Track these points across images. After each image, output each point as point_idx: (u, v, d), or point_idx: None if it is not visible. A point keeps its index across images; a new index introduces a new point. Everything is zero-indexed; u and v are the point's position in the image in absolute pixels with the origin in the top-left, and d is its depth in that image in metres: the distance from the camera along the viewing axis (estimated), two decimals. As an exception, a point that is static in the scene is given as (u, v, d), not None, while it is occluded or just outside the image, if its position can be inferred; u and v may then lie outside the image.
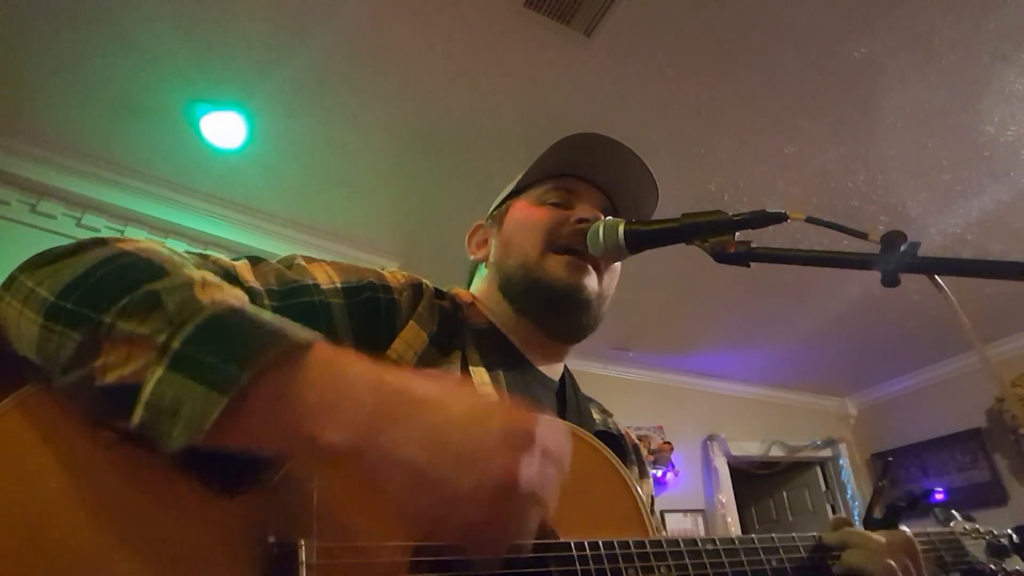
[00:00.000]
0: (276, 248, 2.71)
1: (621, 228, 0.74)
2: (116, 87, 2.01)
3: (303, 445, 0.43)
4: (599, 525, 0.59)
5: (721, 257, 0.68)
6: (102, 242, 0.51)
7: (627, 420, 4.56)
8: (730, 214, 0.69)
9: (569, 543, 0.55)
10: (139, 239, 0.54)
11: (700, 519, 4.11)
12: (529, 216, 0.86)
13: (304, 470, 0.49)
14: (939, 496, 4.39)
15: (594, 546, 0.55)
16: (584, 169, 0.88)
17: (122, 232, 2.43)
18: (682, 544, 0.61)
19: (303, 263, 0.67)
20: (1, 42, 1.84)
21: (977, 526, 0.90)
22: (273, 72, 1.99)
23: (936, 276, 0.57)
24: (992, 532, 0.90)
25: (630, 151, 0.86)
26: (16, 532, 0.41)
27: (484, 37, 1.93)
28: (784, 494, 5.22)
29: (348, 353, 0.47)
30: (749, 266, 0.68)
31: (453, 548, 0.45)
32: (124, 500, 0.45)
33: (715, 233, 0.69)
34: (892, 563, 0.66)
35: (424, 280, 0.77)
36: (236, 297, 0.49)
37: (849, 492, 4.76)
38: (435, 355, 0.71)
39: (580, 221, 0.81)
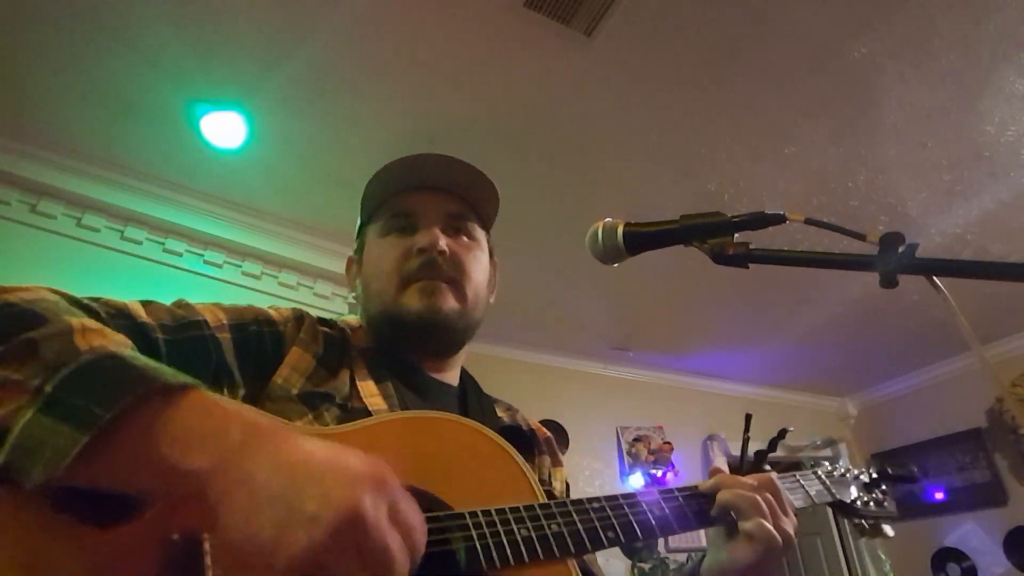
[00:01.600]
0: (276, 248, 2.71)
1: (620, 230, 0.74)
2: (116, 87, 2.01)
3: (166, 473, 0.43)
4: (494, 501, 0.62)
5: (720, 258, 0.69)
6: None
7: (627, 420, 4.53)
8: (729, 215, 0.69)
9: (463, 512, 0.58)
10: (25, 287, 0.55)
11: (700, 519, 4.11)
12: (378, 257, 0.87)
13: (168, 502, 0.47)
14: (939, 497, 4.39)
15: (487, 513, 0.58)
16: (410, 179, 0.88)
17: (122, 232, 2.43)
18: (569, 504, 0.65)
19: (191, 304, 0.71)
20: (1, 42, 1.84)
21: (841, 468, 0.99)
22: (273, 72, 1.99)
23: (934, 277, 0.57)
24: (850, 470, 0.99)
25: (437, 154, 0.87)
26: None
27: (484, 37, 1.93)
28: (784, 494, 5.22)
29: (225, 399, 0.48)
30: (748, 267, 0.68)
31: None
32: (9, 530, 0.43)
33: (714, 234, 0.69)
34: (757, 496, 0.73)
35: (306, 311, 0.81)
36: (117, 343, 0.50)
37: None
38: (323, 375, 0.73)
39: (420, 251, 0.82)
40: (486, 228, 0.96)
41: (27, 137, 2.19)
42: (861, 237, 0.61)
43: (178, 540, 0.46)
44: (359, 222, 0.95)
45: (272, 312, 0.77)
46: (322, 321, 0.82)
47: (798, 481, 0.89)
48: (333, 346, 0.78)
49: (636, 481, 3.93)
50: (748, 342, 4.17)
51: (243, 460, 0.44)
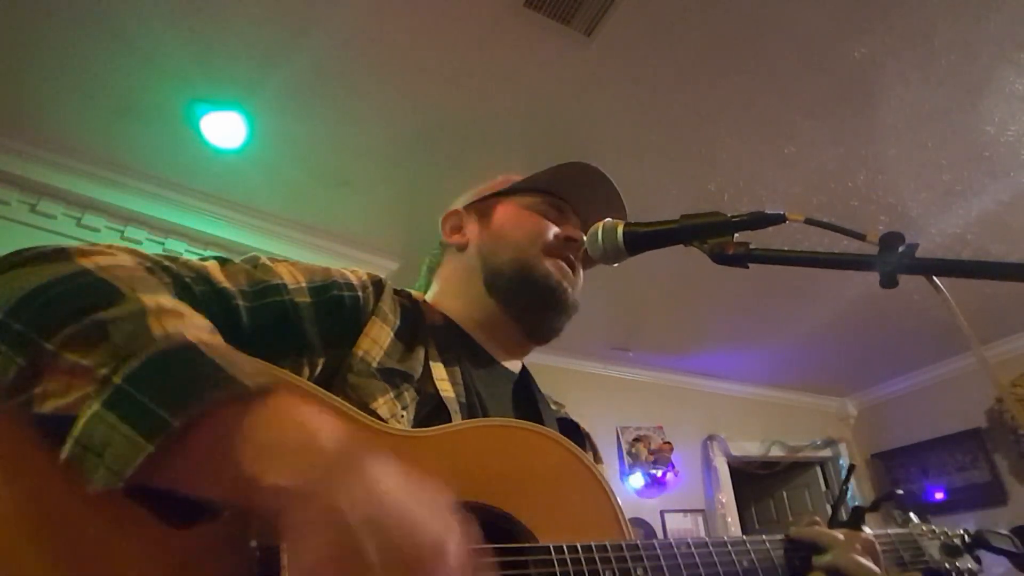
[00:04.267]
0: (276, 248, 2.71)
1: (620, 230, 0.74)
2: (116, 87, 2.01)
3: (243, 486, 0.40)
4: (576, 528, 0.61)
5: (719, 258, 0.68)
6: (64, 254, 0.49)
7: (627, 420, 4.53)
8: (729, 215, 0.69)
9: (548, 546, 0.56)
10: (106, 248, 0.52)
11: (700, 519, 4.11)
12: (525, 217, 0.88)
13: (241, 513, 0.45)
14: (939, 497, 4.39)
15: (572, 549, 0.56)
16: (572, 195, 0.91)
17: (122, 232, 2.43)
18: (657, 546, 0.62)
19: (268, 263, 0.67)
20: (1, 42, 1.84)
21: (933, 527, 0.95)
22: (273, 72, 1.99)
23: (934, 277, 0.57)
24: (946, 532, 0.95)
25: (615, 190, 0.90)
26: None
27: (484, 37, 1.93)
28: (784, 494, 5.22)
29: (309, 402, 0.46)
30: (748, 267, 0.68)
31: None
32: (77, 528, 0.42)
33: (714, 234, 0.69)
34: (861, 560, 0.70)
35: (384, 277, 0.78)
36: (196, 327, 0.47)
37: (849, 494, 4.76)
38: (400, 350, 0.71)
39: (568, 238, 0.86)
40: None
41: (27, 137, 2.19)
42: (861, 237, 0.61)
43: (255, 548, 0.45)
44: (479, 194, 0.95)
45: (351, 275, 0.73)
46: (397, 291, 0.80)
47: (893, 544, 0.87)
48: (408, 320, 0.75)
49: (636, 481, 3.93)
50: (748, 342, 4.17)
51: (330, 489, 0.40)
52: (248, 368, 0.44)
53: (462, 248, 0.91)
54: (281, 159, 2.38)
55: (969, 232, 2.97)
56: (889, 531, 0.89)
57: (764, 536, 0.73)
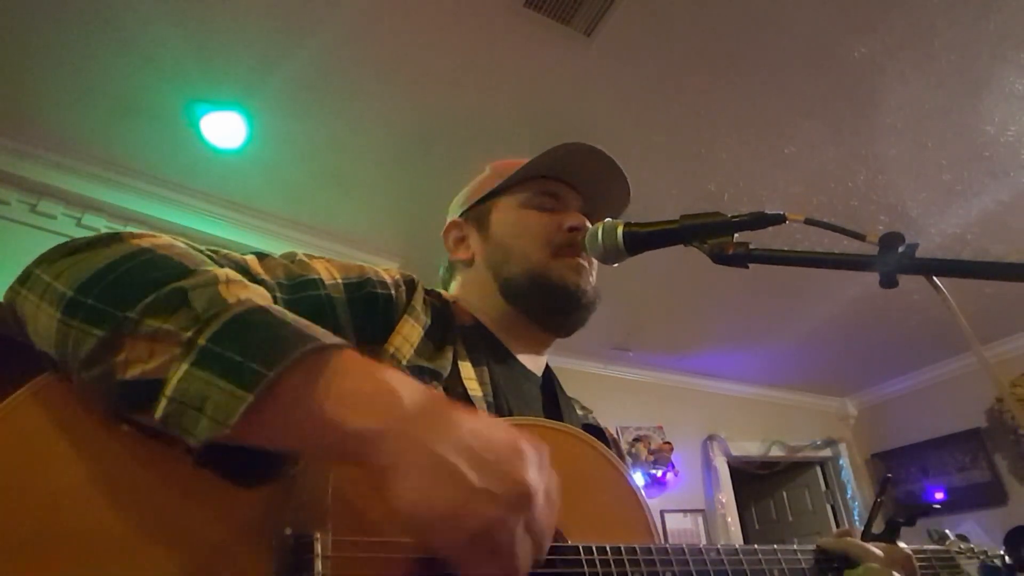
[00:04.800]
0: (276, 248, 2.70)
1: (620, 230, 0.74)
2: (116, 87, 2.01)
3: (329, 431, 0.43)
4: (606, 529, 0.61)
5: (719, 259, 0.68)
6: (118, 238, 0.51)
7: (627, 420, 4.52)
8: (729, 215, 0.69)
9: (578, 547, 0.56)
10: (157, 235, 0.54)
11: (700, 519, 4.11)
12: (524, 221, 0.87)
13: (323, 462, 0.49)
14: (939, 497, 4.39)
15: (602, 551, 0.57)
16: (566, 173, 0.89)
17: (122, 232, 2.43)
18: (687, 551, 0.62)
19: (304, 259, 0.69)
20: (1, 42, 1.84)
21: (971, 545, 0.92)
22: (273, 72, 1.99)
23: (934, 277, 0.57)
24: (986, 553, 0.92)
25: (609, 158, 0.88)
26: (33, 517, 0.41)
27: (484, 37, 1.93)
28: (784, 494, 5.22)
29: (378, 361, 0.48)
30: (748, 267, 0.68)
31: (451, 563, 0.44)
32: (141, 490, 0.45)
33: (713, 235, 0.69)
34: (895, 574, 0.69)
35: (416, 276, 0.79)
36: (261, 296, 0.50)
37: (849, 492, 4.77)
38: (430, 349, 0.72)
39: (571, 229, 0.84)
40: None
41: (27, 137, 2.19)
42: (861, 237, 0.61)
43: (289, 536, 0.47)
44: (474, 193, 0.93)
45: (384, 273, 0.75)
46: (428, 291, 0.81)
47: (930, 561, 0.84)
48: (439, 319, 0.76)
49: (636, 481, 3.92)
50: (748, 342, 4.17)
51: (417, 428, 0.43)
52: (318, 329, 0.47)
53: (469, 264, 0.91)
54: (281, 159, 2.38)
55: (969, 232, 2.97)
56: (926, 547, 0.87)
57: (796, 546, 0.72)
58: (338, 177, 2.48)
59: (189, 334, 0.42)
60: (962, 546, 0.91)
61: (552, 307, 0.83)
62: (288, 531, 0.47)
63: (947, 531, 0.94)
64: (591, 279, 0.86)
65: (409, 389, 0.46)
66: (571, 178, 0.90)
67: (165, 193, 2.46)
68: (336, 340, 0.46)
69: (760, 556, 0.68)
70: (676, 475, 4.06)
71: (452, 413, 0.46)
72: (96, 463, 0.44)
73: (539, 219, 0.86)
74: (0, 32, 1.81)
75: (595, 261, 0.86)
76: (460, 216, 0.94)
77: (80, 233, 2.35)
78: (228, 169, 2.39)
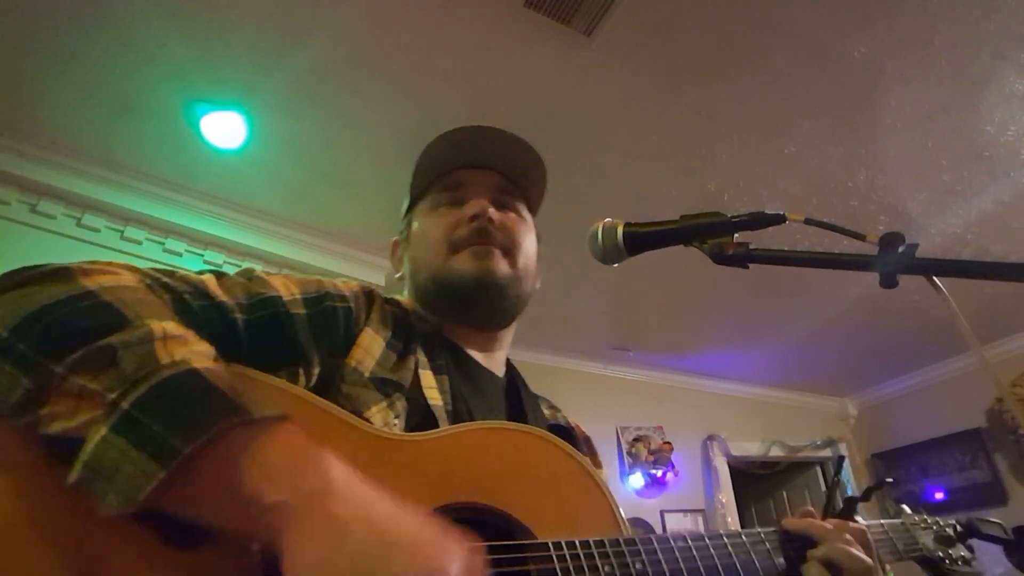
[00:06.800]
0: (276, 248, 2.71)
1: (620, 230, 0.74)
2: (116, 87, 2.01)
3: (244, 505, 0.42)
4: (575, 526, 0.61)
5: (719, 259, 0.69)
6: (66, 273, 0.49)
7: (627, 420, 4.52)
8: (729, 216, 0.70)
9: (547, 543, 0.56)
10: (107, 269, 0.52)
11: (700, 519, 4.11)
12: (427, 228, 0.87)
13: (242, 536, 0.46)
14: (939, 497, 4.39)
15: (571, 545, 0.57)
16: (462, 157, 0.90)
17: (122, 232, 2.43)
18: (655, 541, 0.63)
19: (262, 275, 0.69)
20: (1, 42, 1.84)
21: (925, 517, 0.96)
22: (273, 72, 1.99)
23: (934, 277, 0.57)
24: (938, 522, 0.96)
25: (494, 128, 0.89)
26: None
27: (484, 37, 1.93)
28: (784, 494, 5.22)
29: (310, 433, 0.47)
30: (748, 267, 0.68)
31: None
32: (73, 535, 0.43)
33: (713, 235, 0.69)
34: (852, 550, 0.71)
35: (374, 286, 0.79)
36: (201, 354, 0.48)
37: (849, 492, 4.76)
38: (392, 359, 0.72)
39: (472, 218, 0.83)
40: (532, 211, 0.97)
41: (27, 137, 2.19)
42: (861, 237, 0.61)
43: (257, 551, 0.45)
44: (405, 206, 0.95)
45: (342, 286, 0.75)
46: (388, 300, 0.81)
47: (887, 533, 0.87)
48: (400, 328, 0.76)
49: (636, 481, 3.93)
50: (748, 342, 4.17)
51: (329, 503, 0.42)
52: (252, 397, 0.45)
53: (403, 279, 0.93)
54: (281, 159, 2.38)
55: (969, 232, 2.97)
56: (883, 521, 0.90)
57: (760, 530, 0.74)
58: (338, 177, 2.48)
59: (114, 395, 0.41)
60: (917, 518, 0.95)
61: (461, 301, 0.82)
62: (256, 547, 0.45)
63: (903, 506, 0.98)
64: (503, 261, 0.83)
65: (329, 463, 0.45)
66: (479, 160, 0.90)
67: (165, 193, 2.47)
68: (267, 412, 0.45)
69: (726, 541, 0.69)
70: (676, 475, 4.07)
71: (369, 492, 0.45)
72: (34, 510, 0.43)
73: (440, 221, 0.86)
74: (0, 32, 1.81)
75: (520, 242, 0.86)
76: (400, 234, 0.96)
77: (80, 233, 2.35)
78: (228, 169, 2.39)
